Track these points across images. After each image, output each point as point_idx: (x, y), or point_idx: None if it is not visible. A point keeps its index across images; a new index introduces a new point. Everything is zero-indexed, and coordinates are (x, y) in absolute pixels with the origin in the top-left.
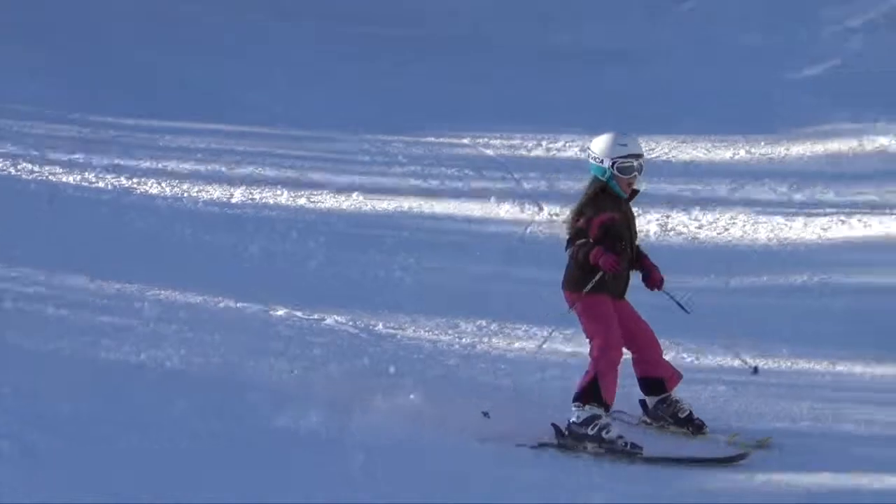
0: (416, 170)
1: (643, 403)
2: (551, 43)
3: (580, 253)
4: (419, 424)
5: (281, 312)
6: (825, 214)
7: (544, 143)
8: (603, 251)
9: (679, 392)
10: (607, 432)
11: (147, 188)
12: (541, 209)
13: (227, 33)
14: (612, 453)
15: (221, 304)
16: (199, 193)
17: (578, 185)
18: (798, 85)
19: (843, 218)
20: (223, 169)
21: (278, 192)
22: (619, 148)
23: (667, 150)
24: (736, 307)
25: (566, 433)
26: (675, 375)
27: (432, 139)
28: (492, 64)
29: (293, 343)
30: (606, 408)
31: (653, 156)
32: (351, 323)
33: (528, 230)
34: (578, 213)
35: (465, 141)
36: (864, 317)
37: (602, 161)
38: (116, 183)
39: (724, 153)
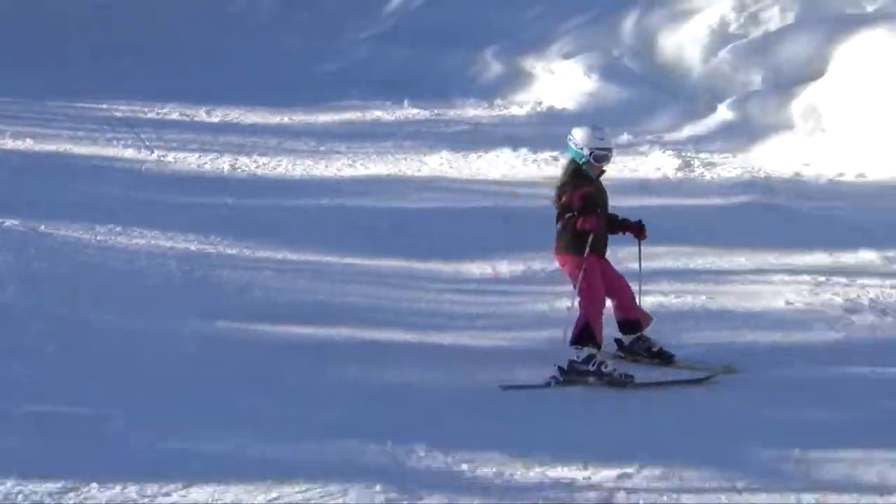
0: (70, 125)
1: (619, 342)
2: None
3: (570, 224)
4: None
5: None
6: (339, 158)
7: (156, 109)
8: (584, 217)
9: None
10: (605, 367)
11: None
12: (152, 152)
13: None
14: (610, 383)
15: None
16: None
17: (183, 136)
18: (323, 76)
19: (350, 162)
20: None
21: None
22: (598, 141)
23: (237, 115)
24: (287, 219)
25: (569, 370)
26: (647, 318)
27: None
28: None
29: None
30: (598, 347)
31: (234, 119)
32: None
33: (144, 167)
34: (561, 190)
35: (104, 106)
36: (360, 225)
37: (582, 148)
38: None
39: (274, 119)
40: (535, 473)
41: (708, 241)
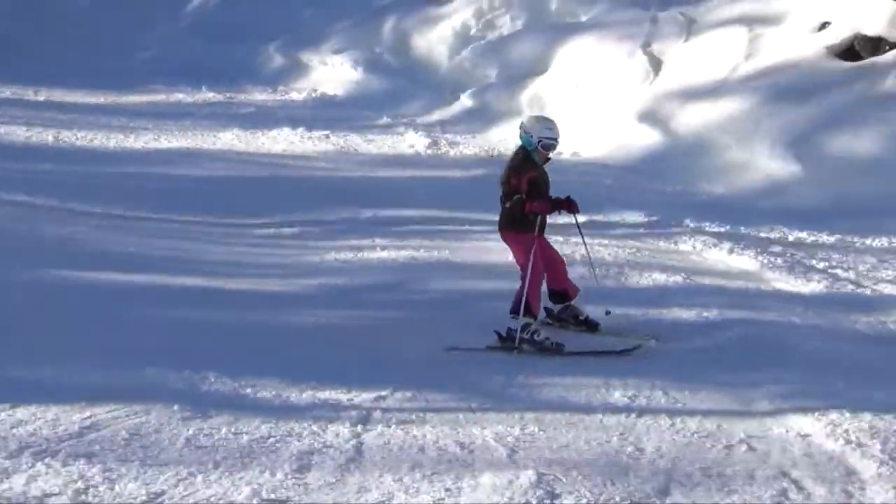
0: None
1: (548, 310)
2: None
3: (517, 206)
4: None
5: None
6: (146, 133)
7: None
8: (532, 201)
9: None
10: (538, 335)
11: None
12: None
13: None
14: (541, 350)
15: None
16: None
17: (13, 112)
18: (134, 64)
19: (155, 137)
20: None
21: None
22: (546, 131)
23: (60, 96)
24: (102, 184)
25: (507, 337)
26: (575, 289)
27: None
28: None
29: None
30: (534, 317)
31: (58, 99)
32: None
33: None
34: (510, 173)
35: None
36: (164, 188)
37: (532, 136)
38: None
39: (92, 99)
40: (307, 396)
41: (451, 206)
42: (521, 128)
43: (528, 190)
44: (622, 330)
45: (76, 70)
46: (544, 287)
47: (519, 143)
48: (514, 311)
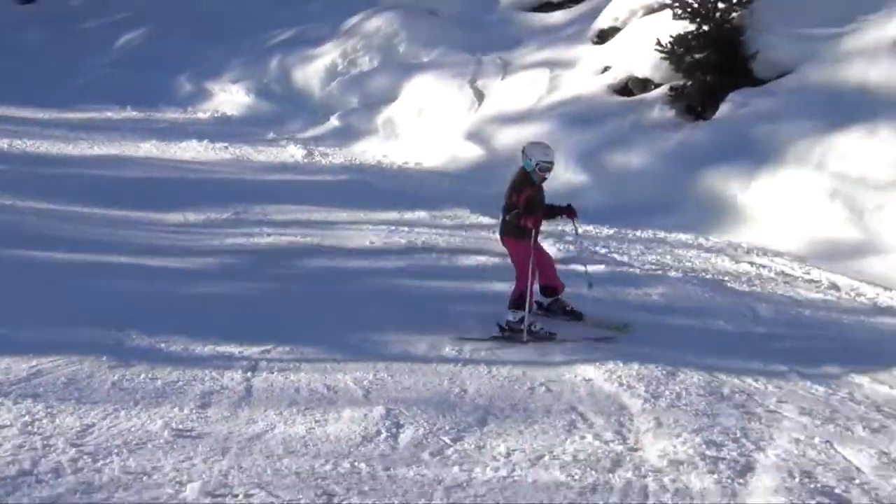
0: None
1: (539, 303)
2: None
3: (514, 219)
4: None
5: None
6: (82, 143)
7: None
8: (525, 217)
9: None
10: (534, 326)
11: None
12: None
13: None
14: (537, 339)
15: None
16: None
17: None
18: (73, 87)
19: (89, 146)
20: None
21: None
22: (543, 156)
23: (13, 112)
24: (47, 182)
25: (507, 328)
26: (562, 285)
27: None
28: None
29: None
30: (529, 310)
31: (10, 114)
32: None
33: None
34: (511, 191)
35: None
36: (97, 186)
37: (532, 159)
38: None
39: (39, 115)
40: (208, 349)
41: (322, 203)
42: (522, 152)
43: (525, 206)
44: (602, 319)
45: (26, 92)
46: (536, 286)
47: (521, 164)
48: (511, 306)
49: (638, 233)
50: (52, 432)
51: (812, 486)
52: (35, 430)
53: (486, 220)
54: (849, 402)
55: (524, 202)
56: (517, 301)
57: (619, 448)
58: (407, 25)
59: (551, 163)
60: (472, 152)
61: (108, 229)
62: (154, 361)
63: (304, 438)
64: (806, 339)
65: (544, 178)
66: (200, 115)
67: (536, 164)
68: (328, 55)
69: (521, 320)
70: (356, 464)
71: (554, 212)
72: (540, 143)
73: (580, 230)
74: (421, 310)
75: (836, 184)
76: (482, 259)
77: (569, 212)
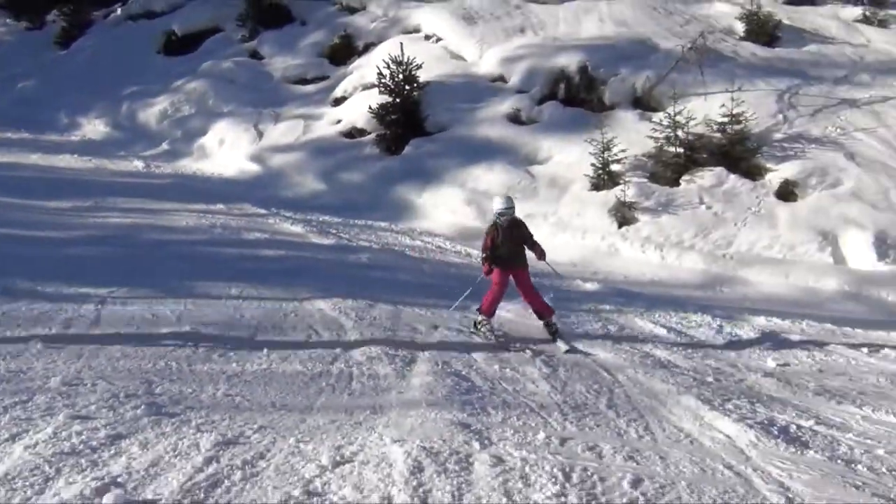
0: None
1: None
2: None
3: (482, 258)
4: None
5: None
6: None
7: None
8: (485, 260)
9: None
10: (489, 329)
11: None
12: None
13: None
14: (496, 338)
15: None
16: None
17: None
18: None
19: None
20: None
21: None
22: (500, 206)
23: None
24: None
25: (475, 326)
26: (550, 311)
27: None
28: None
29: None
30: (489, 318)
31: None
32: None
33: None
34: (485, 235)
35: None
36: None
37: (495, 209)
38: None
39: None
40: (72, 290)
41: (155, 198)
42: (492, 203)
43: (489, 245)
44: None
45: None
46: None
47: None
48: (479, 311)
49: (356, 221)
50: None
51: (448, 370)
52: None
53: (262, 210)
54: (469, 315)
55: (489, 244)
56: (484, 310)
57: (337, 350)
58: (214, 87)
59: (509, 208)
60: (254, 168)
61: (53, 217)
62: (33, 298)
63: (135, 348)
64: (447, 281)
65: (508, 221)
66: (73, 138)
67: (496, 214)
68: (161, 103)
69: (481, 323)
70: (169, 363)
71: (530, 246)
72: (503, 196)
73: (557, 270)
74: (217, 264)
75: (470, 195)
76: (257, 234)
77: (537, 253)
